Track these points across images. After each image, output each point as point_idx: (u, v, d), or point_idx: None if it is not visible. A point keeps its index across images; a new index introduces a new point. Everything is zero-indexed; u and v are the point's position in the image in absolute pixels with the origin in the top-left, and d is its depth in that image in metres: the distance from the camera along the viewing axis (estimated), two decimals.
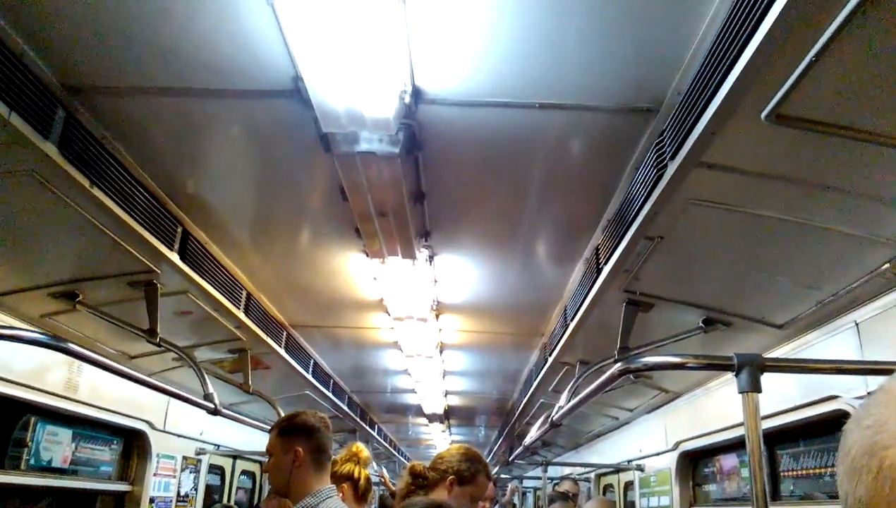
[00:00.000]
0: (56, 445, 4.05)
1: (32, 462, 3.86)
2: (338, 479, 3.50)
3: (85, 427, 4.28)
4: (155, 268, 3.01)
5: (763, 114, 1.63)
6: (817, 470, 3.35)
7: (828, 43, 1.39)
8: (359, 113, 2.16)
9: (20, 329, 2.86)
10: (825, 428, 3.15)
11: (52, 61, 2.11)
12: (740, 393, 1.94)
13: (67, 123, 2.17)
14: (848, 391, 2.70)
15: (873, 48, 1.47)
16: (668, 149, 2.07)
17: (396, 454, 13.80)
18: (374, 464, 10.42)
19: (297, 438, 2.76)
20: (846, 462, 0.72)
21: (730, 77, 1.65)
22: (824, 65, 1.44)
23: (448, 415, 10.45)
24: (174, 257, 2.98)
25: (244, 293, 3.98)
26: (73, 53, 2.09)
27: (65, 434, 4.13)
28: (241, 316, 3.91)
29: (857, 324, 2.65)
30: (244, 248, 3.63)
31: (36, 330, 3.29)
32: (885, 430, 0.67)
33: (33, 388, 3.48)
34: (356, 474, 3.58)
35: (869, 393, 0.76)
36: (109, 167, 2.43)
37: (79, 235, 2.65)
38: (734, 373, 1.97)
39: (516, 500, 10.05)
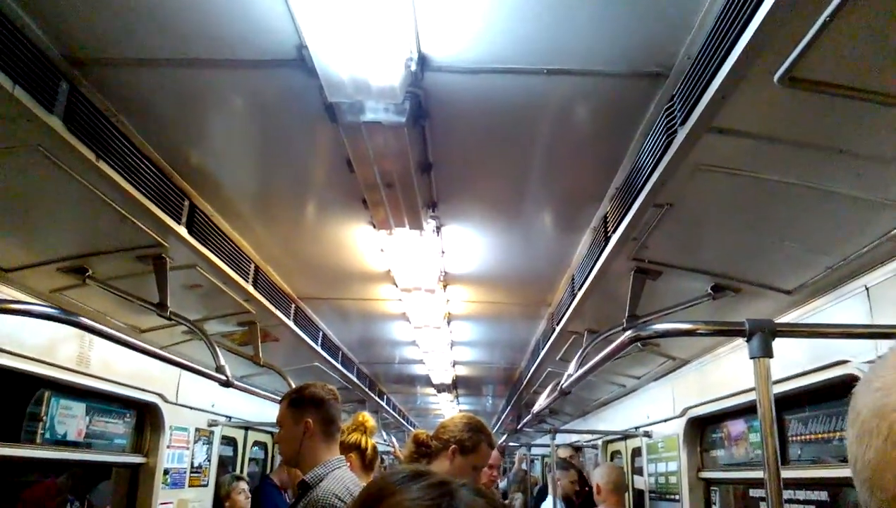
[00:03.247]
0: (70, 419, 4.10)
1: (48, 435, 3.91)
2: (345, 449, 3.55)
3: (98, 400, 4.32)
4: (163, 242, 3.01)
5: (776, 77, 1.60)
6: (825, 435, 3.36)
7: (843, 1, 1.36)
8: (364, 81, 2.14)
9: (32, 303, 2.87)
10: (834, 393, 3.15)
11: (53, 34, 2.09)
12: (752, 358, 1.94)
13: (71, 96, 2.16)
14: (857, 355, 2.70)
15: (889, 6, 1.44)
16: (679, 115, 2.04)
17: (405, 423, 13.94)
18: (384, 434, 10.58)
19: (306, 409, 2.81)
20: (856, 425, 0.71)
21: (742, 39, 1.62)
22: (839, 24, 1.41)
23: (456, 385, 10.53)
24: (182, 230, 2.98)
25: (252, 266, 3.99)
26: (75, 25, 2.06)
27: (78, 407, 4.18)
28: (250, 288, 3.92)
29: (867, 289, 2.64)
30: (251, 221, 3.63)
31: (47, 304, 3.30)
32: (895, 392, 0.67)
33: (46, 363, 3.52)
34: (363, 444, 3.63)
35: (879, 357, 0.74)
36: (114, 140, 2.42)
37: (86, 209, 2.65)
38: (745, 339, 1.97)
39: (525, 466, 10.17)
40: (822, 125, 1.90)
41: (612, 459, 7.44)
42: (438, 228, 3.67)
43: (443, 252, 4.11)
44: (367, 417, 3.80)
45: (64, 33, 2.10)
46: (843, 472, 2.95)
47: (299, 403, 2.85)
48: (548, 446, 6.91)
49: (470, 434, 3.06)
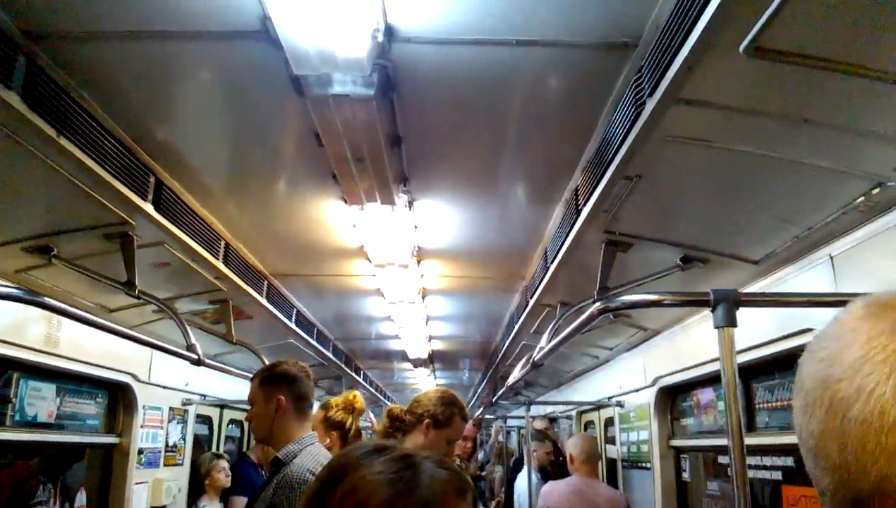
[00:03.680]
0: (40, 400, 4.05)
1: (17, 417, 3.86)
2: (330, 425, 3.55)
3: (68, 381, 4.27)
4: (129, 220, 2.96)
5: (741, 48, 1.60)
6: (792, 402, 3.43)
7: None
8: (330, 53, 2.10)
9: None
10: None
11: (8, 7, 2.01)
12: (716, 328, 1.98)
13: (30, 72, 2.10)
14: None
15: None
16: (647, 86, 2.04)
17: (383, 399, 14.00)
18: None
19: (278, 387, 2.81)
20: (800, 395, 0.72)
21: (708, 9, 1.61)
22: None
23: (432, 360, 10.58)
24: (148, 208, 2.93)
25: (222, 243, 3.94)
26: None
27: (48, 389, 4.12)
28: (221, 266, 3.88)
29: (831, 258, 2.69)
30: (220, 197, 3.58)
31: (11, 285, 3.24)
32: (838, 363, 0.67)
33: (13, 344, 3.46)
34: (348, 424, 3.62)
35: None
36: (76, 116, 2.36)
37: (49, 187, 2.59)
38: (710, 309, 2.00)
39: (502, 438, 10.30)
40: (786, 95, 1.92)
41: (585, 429, 7.55)
42: (410, 203, 3.65)
43: (415, 226, 4.10)
44: (358, 397, 3.74)
45: (20, 6, 2.03)
46: None
47: (271, 380, 2.85)
48: (523, 417, 6.99)
49: (443, 408, 3.09)
